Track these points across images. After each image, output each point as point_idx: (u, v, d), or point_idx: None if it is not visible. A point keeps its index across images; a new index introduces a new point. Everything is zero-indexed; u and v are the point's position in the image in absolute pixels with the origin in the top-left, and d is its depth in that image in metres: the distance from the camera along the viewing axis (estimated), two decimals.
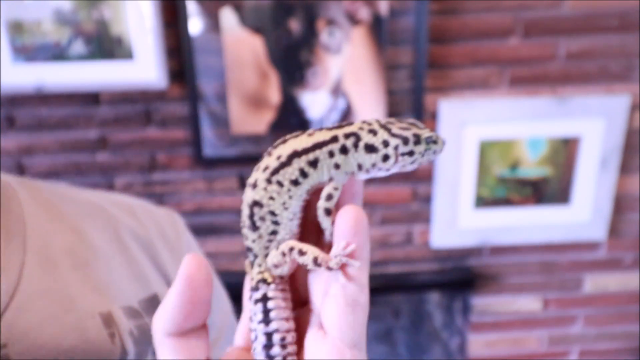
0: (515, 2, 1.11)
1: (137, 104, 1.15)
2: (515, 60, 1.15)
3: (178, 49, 1.10)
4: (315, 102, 1.13)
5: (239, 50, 1.09)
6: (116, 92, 1.13)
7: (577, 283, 1.37)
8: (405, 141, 0.28)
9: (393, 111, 1.16)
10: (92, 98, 1.14)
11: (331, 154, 0.27)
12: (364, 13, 1.08)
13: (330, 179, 0.28)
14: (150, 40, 1.06)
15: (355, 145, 0.27)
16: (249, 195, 0.28)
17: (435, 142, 0.29)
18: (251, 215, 0.28)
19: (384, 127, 0.28)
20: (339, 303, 0.26)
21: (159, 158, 1.19)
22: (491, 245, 1.31)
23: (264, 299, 0.27)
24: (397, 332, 1.94)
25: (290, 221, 0.28)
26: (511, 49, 1.14)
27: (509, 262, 1.34)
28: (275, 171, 0.27)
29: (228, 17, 1.07)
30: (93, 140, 1.17)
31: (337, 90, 1.13)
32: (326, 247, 0.28)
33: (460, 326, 1.45)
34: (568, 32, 1.14)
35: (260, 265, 0.28)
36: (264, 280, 0.28)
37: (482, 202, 1.25)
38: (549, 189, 1.25)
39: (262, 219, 0.28)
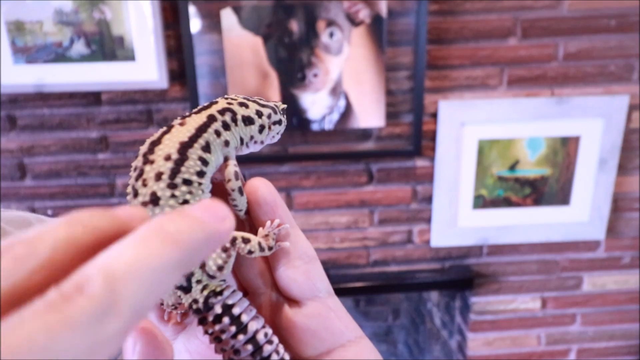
0: (514, 3, 1.11)
1: (138, 104, 1.15)
2: (514, 60, 1.16)
3: (179, 50, 1.10)
4: (315, 102, 1.14)
5: (239, 50, 1.09)
6: (117, 92, 1.14)
7: (575, 282, 1.38)
8: (275, 110, 0.29)
9: (393, 111, 1.17)
10: (93, 98, 1.14)
11: (218, 133, 0.26)
12: (364, 14, 1.09)
13: (226, 158, 0.27)
14: (151, 40, 1.07)
15: (234, 120, 0.27)
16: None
17: (284, 113, 0.30)
18: None
19: (249, 100, 0.28)
20: (299, 267, 0.26)
21: None
22: (490, 245, 1.31)
23: (227, 309, 0.25)
24: (397, 331, 1.95)
25: None
26: (510, 50, 1.15)
27: (508, 261, 1.34)
28: (175, 172, 0.24)
29: (228, 17, 1.07)
30: (94, 140, 1.18)
31: (337, 91, 1.13)
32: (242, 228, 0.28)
33: (460, 325, 1.46)
34: (567, 32, 1.14)
35: (199, 282, 0.25)
36: (214, 293, 0.25)
37: (481, 201, 1.26)
38: (548, 189, 1.26)
39: None
